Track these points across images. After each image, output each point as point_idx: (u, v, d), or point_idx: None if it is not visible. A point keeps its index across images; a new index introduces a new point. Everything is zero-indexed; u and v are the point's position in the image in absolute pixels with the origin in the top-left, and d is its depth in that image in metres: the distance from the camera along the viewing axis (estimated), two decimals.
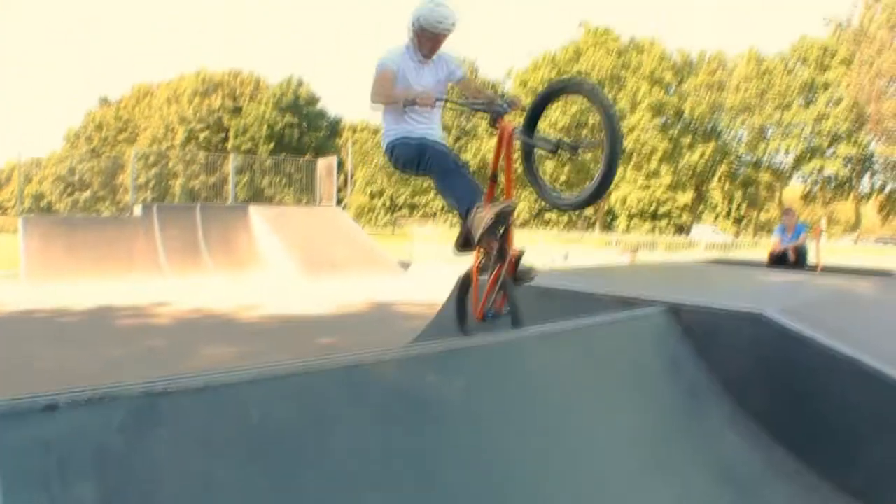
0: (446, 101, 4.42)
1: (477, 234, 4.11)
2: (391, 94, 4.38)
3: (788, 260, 10.58)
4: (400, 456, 2.63)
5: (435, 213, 70.05)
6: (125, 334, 9.21)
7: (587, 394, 3.58)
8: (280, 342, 8.45)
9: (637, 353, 4.09)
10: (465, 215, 4.24)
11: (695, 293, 5.23)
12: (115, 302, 12.16)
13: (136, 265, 16.99)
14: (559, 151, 4.01)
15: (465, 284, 4.97)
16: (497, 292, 4.48)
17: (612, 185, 3.87)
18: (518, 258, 4.30)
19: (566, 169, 55.07)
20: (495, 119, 4.26)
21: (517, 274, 4.30)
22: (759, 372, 4.21)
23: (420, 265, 20.76)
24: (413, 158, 4.51)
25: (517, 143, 4.26)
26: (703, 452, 3.83)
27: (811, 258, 10.86)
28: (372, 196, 75.29)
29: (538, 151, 4.34)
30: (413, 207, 73.88)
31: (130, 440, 2.09)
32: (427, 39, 4.51)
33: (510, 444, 3.04)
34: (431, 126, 4.74)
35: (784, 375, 4.12)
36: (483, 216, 4.07)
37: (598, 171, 3.70)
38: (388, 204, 75.63)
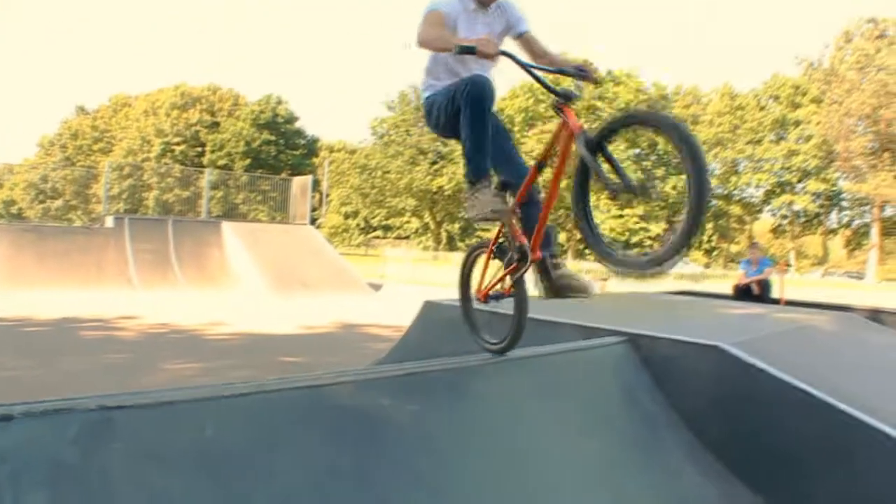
0: (511, 56, 3.48)
1: (469, 216, 3.56)
2: (444, 36, 3.51)
3: (753, 293, 10.77)
4: (352, 477, 2.65)
5: (408, 236, 70.26)
6: (90, 346, 9.13)
7: (543, 421, 3.61)
8: (244, 359, 8.42)
9: (595, 383, 4.14)
10: (468, 180, 3.63)
11: (656, 324, 5.31)
12: (83, 313, 12.05)
13: (106, 277, 16.87)
14: (617, 193, 3.10)
15: (471, 258, 4.13)
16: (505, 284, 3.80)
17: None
18: (552, 265, 3.58)
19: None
20: (560, 105, 3.34)
21: (554, 285, 3.55)
22: (715, 403, 4.28)
23: (391, 287, 20.80)
24: (449, 99, 3.70)
25: (575, 151, 3.29)
26: (660, 483, 3.88)
27: (775, 291, 11.07)
28: (346, 216, 75.28)
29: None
30: (387, 229, 73.96)
31: (85, 453, 2.10)
32: None
33: (464, 468, 3.05)
34: None
35: (740, 407, 4.20)
36: (477, 204, 3.51)
37: (678, 230, 2.98)
38: (362, 225, 75.63)
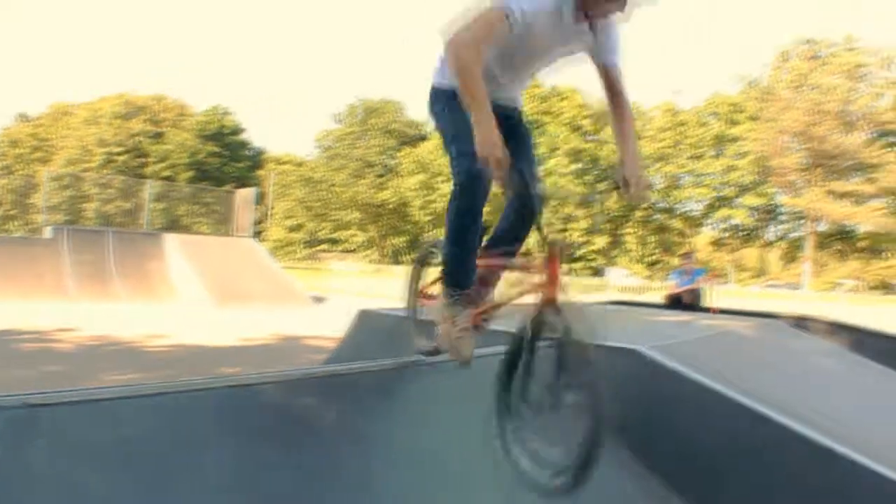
0: (522, 187, 2.83)
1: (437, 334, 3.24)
2: (474, 72, 2.69)
3: (684, 302, 11.11)
4: (276, 472, 2.73)
5: (354, 249, 69.98)
6: (25, 357, 9.01)
7: (463, 422, 3.69)
8: (182, 371, 8.39)
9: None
10: (444, 283, 3.18)
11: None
12: (19, 325, 11.84)
13: (44, 288, 16.57)
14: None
15: (418, 269, 3.74)
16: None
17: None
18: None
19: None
20: (550, 252, 2.72)
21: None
22: (633, 404, 4.43)
23: (335, 300, 20.80)
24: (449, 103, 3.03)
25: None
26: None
27: (707, 300, 11.43)
28: (291, 230, 74.74)
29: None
30: (333, 242, 73.56)
31: (7, 448, 2.16)
32: None
33: (387, 467, 3.14)
34: (513, 97, 3.26)
35: (657, 407, 4.38)
36: (444, 335, 3.17)
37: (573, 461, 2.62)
38: (307, 238, 75.17)
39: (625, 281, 50.47)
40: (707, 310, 10.57)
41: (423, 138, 67.28)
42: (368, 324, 6.41)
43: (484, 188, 2.91)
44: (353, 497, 2.93)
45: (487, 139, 2.61)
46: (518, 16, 2.71)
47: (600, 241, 62.72)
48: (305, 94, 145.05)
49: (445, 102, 3.06)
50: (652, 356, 4.39)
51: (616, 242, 65.57)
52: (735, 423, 4.07)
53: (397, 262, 62.11)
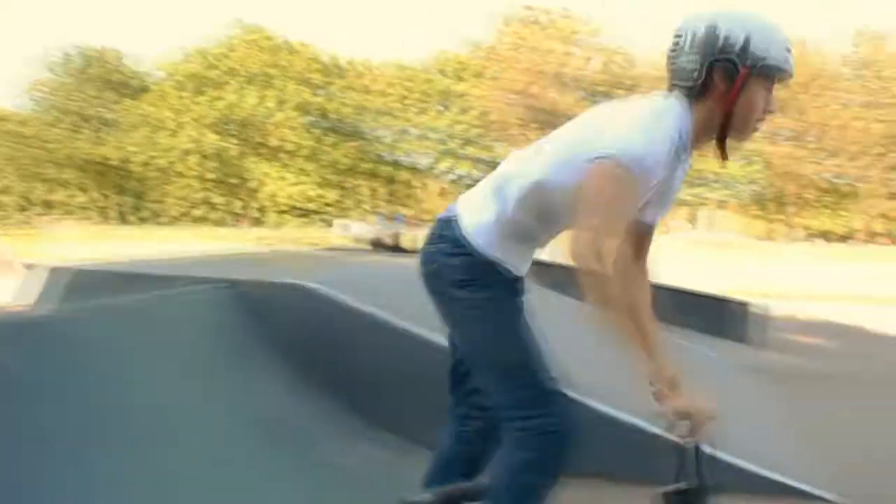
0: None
1: None
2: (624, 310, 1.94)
3: (387, 244, 11.98)
4: None
5: (73, 212, 64.98)
6: None
7: (141, 365, 3.84)
8: None
9: (190, 326, 4.47)
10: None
11: (262, 271, 5.90)
12: None
13: None
14: None
15: None
16: None
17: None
18: None
19: None
20: None
21: None
22: (304, 334, 4.88)
23: (48, 267, 19.55)
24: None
25: None
26: (257, 413, 4.31)
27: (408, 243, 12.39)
28: (0, 192, 67.74)
29: None
30: (49, 205, 67.66)
31: None
32: (767, 93, 2.02)
33: (65, 415, 3.22)
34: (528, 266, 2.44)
35: (324, 335, 4.87)
36: None
37: None
38: (19, 201, 68.49)
39: (361, 231, 51.63)
40: (404, 251, 11.46)
41: (144, 90, 63.60)
42: (63, 281, 6.40)
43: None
44: (40, 448, 2.99)
45: (690, 400, 1.86)
46: (652, 167, 1.92)
47: (331, 195, 63.45)
48: (10, 40, 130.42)
49: (500, 289, 2.17)
50: (316, 289, 4.83)
51: (346, 194, 66.58)
52: (394, 346, 4.64)
53: (123, 223, 58.81)
